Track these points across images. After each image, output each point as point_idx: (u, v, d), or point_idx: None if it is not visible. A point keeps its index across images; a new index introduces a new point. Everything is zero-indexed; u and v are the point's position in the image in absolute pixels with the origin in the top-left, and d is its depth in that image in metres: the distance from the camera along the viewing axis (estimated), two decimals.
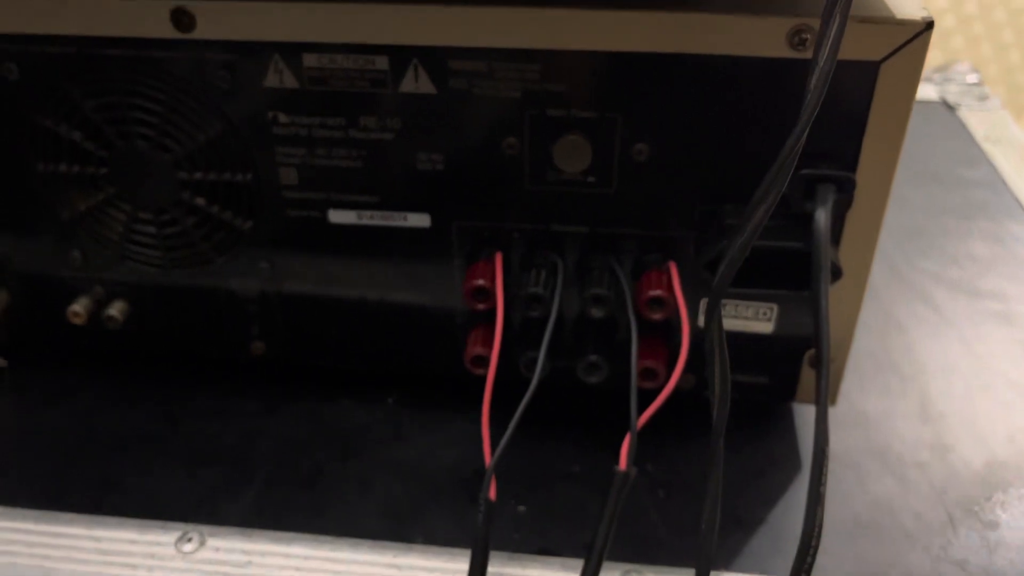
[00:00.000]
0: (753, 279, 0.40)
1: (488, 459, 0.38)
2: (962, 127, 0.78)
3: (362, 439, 0.47)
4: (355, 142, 0.40)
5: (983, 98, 0.83)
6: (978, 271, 0.60)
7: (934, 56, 1.64)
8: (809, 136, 0.37)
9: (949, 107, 0.81)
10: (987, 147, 0.75)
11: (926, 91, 0.84)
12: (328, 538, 0.40)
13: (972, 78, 0.86)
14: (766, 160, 0.38)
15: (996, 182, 0.70)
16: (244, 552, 0.40)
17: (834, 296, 0.39)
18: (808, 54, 0.35)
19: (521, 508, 0.42)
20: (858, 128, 0.36)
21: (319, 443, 0.46)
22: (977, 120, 0.79)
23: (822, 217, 0.37)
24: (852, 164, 0.37)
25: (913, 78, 0.35)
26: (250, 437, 0.47)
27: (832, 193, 0.37)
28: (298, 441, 0.47)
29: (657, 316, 0.40)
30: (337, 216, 0.42)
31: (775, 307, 0.42)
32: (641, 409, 0.39)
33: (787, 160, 0.28)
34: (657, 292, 0.40)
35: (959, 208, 0.67)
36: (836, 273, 0.38)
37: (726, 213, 0.39)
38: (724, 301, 0.43)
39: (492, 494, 0.37)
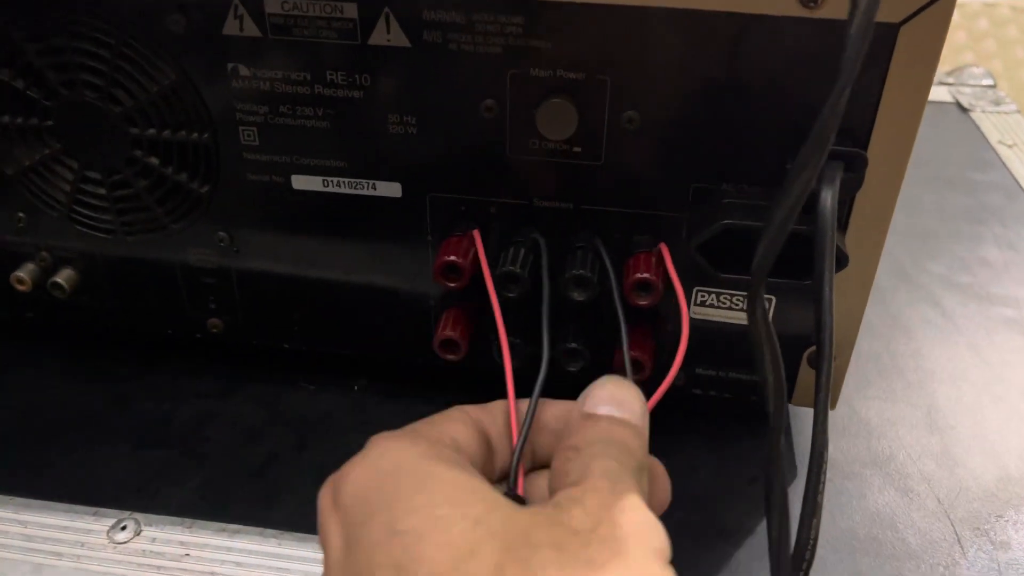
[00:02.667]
0: (750, 265, 0.37)
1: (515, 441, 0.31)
2: (976, 130, 0.75)
3: (322, 427, 0.43)
4: (321, 100, 0.36)
5: (997, 102, 0.79)
6: (990, 276, 0.56)
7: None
8: (815, 108, 0.34)
9: (963, 109, 0.78)
10: (1001, 151, 0.71)
11: (939, 93, 0.81)
12: (274, 532, 0.37)
13: (986, 81, 0.83)
14: (771, 133, 0.35)
15: (1010, 186, 0.67)
16: (182, 544, 0.36)
17: (838, 287, 0.36)
18: (819, 13, 0.31)
19: None
20: (872, 100, 0.33)
21: (275, 430, 0.43)
22: (991, 123, 0.76)
23: (828, 198, 0.33)
24: (864, 140, 0.34)
25: (936, 44, 0.31)
26: (201, 420, 0.43)
27: (840, 171, 0.33)
28: (253, 427, 0.43)
29: (644, 302, 0.37)
30: (301, 182, 0.39)
31: (772, 299, 0.39)
32: None
33: (831, 116, 0.25)
34: (645, 275, 0.36)
35: (971, 212, 0.63)
36: (842, 260, 0.35)
37: (724, 193, 0.36)
38: (715, 290, 0.39)
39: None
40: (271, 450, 0.42)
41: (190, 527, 0.37)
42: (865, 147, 0.34)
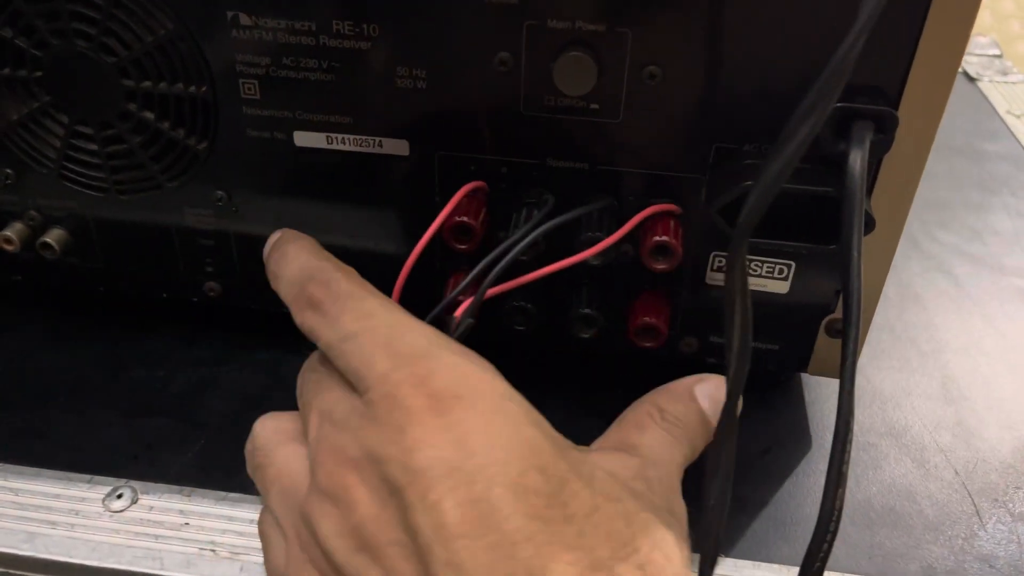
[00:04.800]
0: (772, 229, 0.35)
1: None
2: (983, 100, 0.74)
3: None
4: (327, 51, 0.35)
5: (1005, 72, 0.78)
6: (1002, 246, 0.55)
7: None
8: None
9: (970, 79, 0.77)
10: (1010, 120, 0.70)
11: None
12: None
13: (993, 51, 0.82)
14: (798, 92, 0.33)
15: (1019, 156, 0.66)
16: (181, 512, 0.35)
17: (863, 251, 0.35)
18: None
19: None
20: (905, 56, 0.32)
21: (276, 396, 0.42)
22: (999, 93, 0.75)
23: (858, 159, 0.32)
24: (895, 99, 0.32)
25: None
26: (199, 387, 0.42)
27: (870, 132, 0.32)
28: (252, 394, 0.42)
29: (662, 266, 0.35)
30: (303, 139, 0.37)
31: (792, 264, 0.38)
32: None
33: (843, 62, 0.23)
34: (663, 239, 0.35)
35: (981, 182, 0.62)
36: (869, 224, 0.33)
37: (746, 154, 0.35)
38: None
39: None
40: None
41: (189, 495, 0.36)
42: (896, 106, 0.32)
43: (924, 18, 0.30)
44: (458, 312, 0.32)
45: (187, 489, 0.36)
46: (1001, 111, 0.72)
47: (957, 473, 0.39)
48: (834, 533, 0.30)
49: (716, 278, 0.38)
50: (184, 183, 0.39)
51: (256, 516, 0.35)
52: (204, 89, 0.36)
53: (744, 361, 0.27)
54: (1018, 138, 0.68)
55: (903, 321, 0.49)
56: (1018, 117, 0.71)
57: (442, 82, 0.35)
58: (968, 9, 0.30)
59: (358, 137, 0.37)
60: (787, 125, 0.24)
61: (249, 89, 0.36)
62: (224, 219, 0.40)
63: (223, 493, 0.36)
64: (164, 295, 0.43)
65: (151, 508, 0.35)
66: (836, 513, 0.30)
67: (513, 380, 0.38)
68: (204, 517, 0.35)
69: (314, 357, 0.32)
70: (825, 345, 0.40)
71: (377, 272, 0.40)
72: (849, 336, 0.31)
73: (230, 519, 0.35)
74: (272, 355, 0.44)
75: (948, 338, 0.47)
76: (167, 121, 0.37)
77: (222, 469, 0.37)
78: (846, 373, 0.31)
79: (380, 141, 0.37)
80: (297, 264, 0.32)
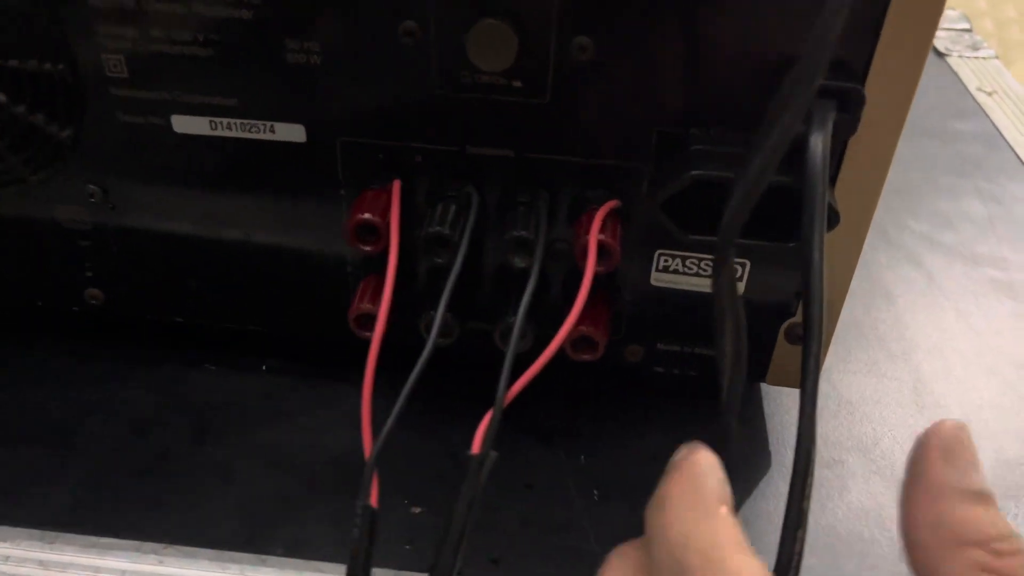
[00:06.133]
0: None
1: (368, 451, 0.29)
2: (953, 76, 0.70)
3: (224, 416, 0.37)
4: (202, 21, 0.30)
5: (975, 47, 0.75)
6: (975, 234, 0.52)
7: None
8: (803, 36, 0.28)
9: (938, 54, 0.73)
10: (981, 98, 0.66)
11: None
12: (156, 546, 0.31)
13: (962, 25, 0.78)
14: (750, 66, 0.29)
15: (992, 136, 0.62)
16: (41, 563, 0.30)
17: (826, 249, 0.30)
18: None
19: (416, 510, 0.33)
20: (873, 25, 0.27)
21: (168, 419, 0.36)
22: (969, 69, 0.71)
23: (819, 144, 0.27)
24: (861, 73, 0.28)
25: None
26: (80, 410, 0.37)
27: (833, 112, 0.28)
28: (141, 416, 0.37)
29: (599, 268, 0.31)
30: (183, 124, 0.32)
31: (747, 264, 0.33)
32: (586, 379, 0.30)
33: (824, 36, 0.19)
34: (600, 237, 0.30)
35: (952, 164, 0.59)
36: (832, 219, 0.29)
37: (692, 138, 0.30)
38: (680, 254, 0.33)
39: (374, 498, 0.28)
40: (162, 443, 0.35)
41: (52, 542, 0.31)
42: (862, 82, 0.28)
43: None
44: (476, 446, 0.26)
45: (50, 535, 0.31)
46: (971, 88, 0.68)
47: None
48: None
49: (662, 279, 0.34)
50: (50, 176, 0.34)
51: (127, 565, 0.30)
52: (61, 67, 0.31)
53: (739, 379, 0.23)
54: (990, 116, 0.64)
55: (870, 318, 0.45)
56: (989, 94, 0.67)
57: (339, 57, 0.30)
58: None
59: (246, 122, 0.32)
60: (769, 108, 0.20)
61: (115, 66, 0.31)
62: (100, 217, 0.35)
63: (92, 539, 0.31)
64: (39, 303, 0.38)
65: (7, 558, 0.30)
66: (796, 558, 0.26)
67: (437, 399, 0.33)
68: (67, 569, 0.30)
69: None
70: (785, 352, 0.35)
71: (278, 274, 0.36)
72: (811, 351, 0.27)
73: (96, 571, 0.30)
74: (164, 371, 0.38)
75: (919, 337, 0.43)
76: (23, 104, 0.32)
77: (97, 509, 0.32)
78: (807, 393, 0.26)
79: (272, 126, 0.32)
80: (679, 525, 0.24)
